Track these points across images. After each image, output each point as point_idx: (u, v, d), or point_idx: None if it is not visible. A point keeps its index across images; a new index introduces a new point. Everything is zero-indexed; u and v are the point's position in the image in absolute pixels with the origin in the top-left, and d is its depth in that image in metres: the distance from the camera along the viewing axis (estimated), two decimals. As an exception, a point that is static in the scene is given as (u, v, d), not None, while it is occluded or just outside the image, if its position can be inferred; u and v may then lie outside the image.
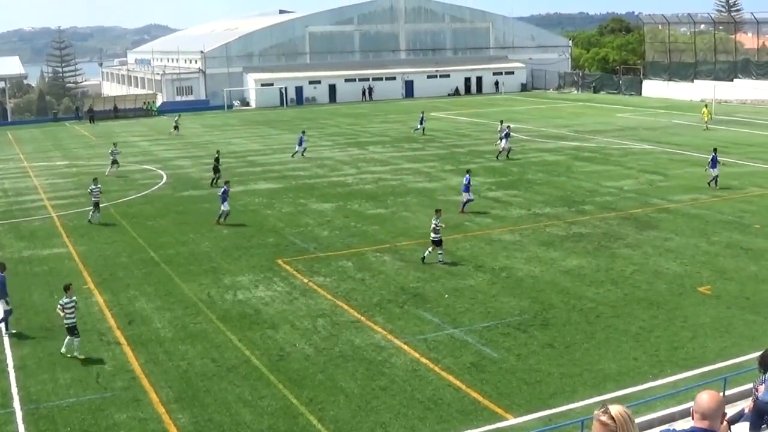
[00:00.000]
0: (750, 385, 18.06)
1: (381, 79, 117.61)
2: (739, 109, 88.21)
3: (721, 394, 18.79)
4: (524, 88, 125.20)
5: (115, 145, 59.34)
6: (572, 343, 24.30)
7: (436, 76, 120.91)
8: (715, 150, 47.89)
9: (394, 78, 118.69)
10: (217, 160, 52.24)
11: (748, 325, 25.64)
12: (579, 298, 28.36)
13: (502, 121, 66.25)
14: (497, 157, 58.39)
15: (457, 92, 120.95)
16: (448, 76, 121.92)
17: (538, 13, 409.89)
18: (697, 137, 67.43)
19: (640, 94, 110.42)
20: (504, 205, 43.24)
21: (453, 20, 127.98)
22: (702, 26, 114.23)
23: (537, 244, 35.61)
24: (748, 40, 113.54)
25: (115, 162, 56.92)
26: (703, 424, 6.92)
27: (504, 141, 59.00)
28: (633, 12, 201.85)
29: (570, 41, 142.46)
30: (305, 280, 31.03)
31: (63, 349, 24.37)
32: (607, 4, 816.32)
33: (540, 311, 27.14)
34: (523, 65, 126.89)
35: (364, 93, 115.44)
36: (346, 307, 27.95)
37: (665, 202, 43.23)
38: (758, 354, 16.23)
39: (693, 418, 7.09)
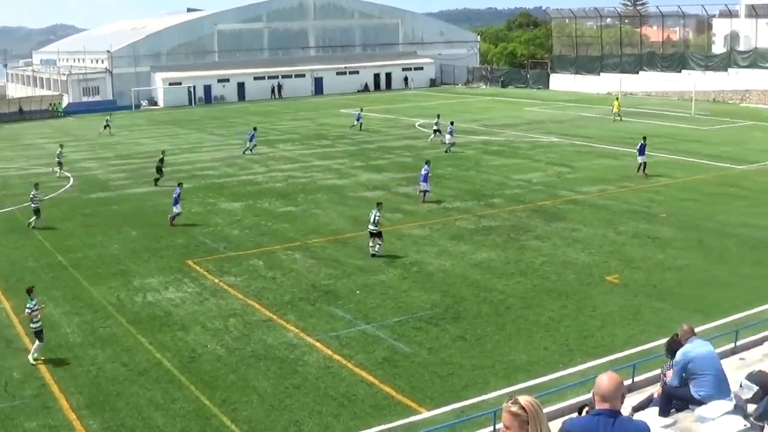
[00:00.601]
0: (658, 371, 18.44)
1: (290, 76, 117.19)
2: (645, 101, 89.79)
3: (630, 380, 19.16)
4: (433, 83, 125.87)
5: (61, 146, 58.58)
6: (483, 335, 24.54)
7: (345, 73, 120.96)
8: (644, 138, 49.26)
9: (304, 75, 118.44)
10: (161, 160, 51.66)
11: (655, 313, 26.16)
12: (489, 291, 28.63)
13: (438, 116, 66.95)
14: (447, 151, 58.92)
15: (366, 88, 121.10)
16: (358, 72, 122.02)
17: (447, 8, 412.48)
18: (604, 129, 68.56)
19: (548, 87, 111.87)
20: (414, 200, 43.40)
21: (362, 16, 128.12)
22: (608, 20, 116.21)
23: (447, 238, 35.86)
24: (653, 33, 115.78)
25: (60, 164, 56.43)
26: (605, 405, 7.18)
27: (449, 135, 59.74)
28: (541, 7, 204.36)
29: (478, 36, 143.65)
30: (216, 281, 30.83)
31: (33, 356, 23.87)
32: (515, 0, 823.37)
33: (451, 304, 27.34)
34: (432, 61, 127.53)
35: (273, 91, 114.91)
36: (257, 306, 27.83)
37: (573, 194, 43.87)
38: (665, 340, 16.58)
39: (594, 401, 7.27)
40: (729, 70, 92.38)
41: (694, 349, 14.62)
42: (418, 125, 74.55)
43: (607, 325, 25.12)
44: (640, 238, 35.01)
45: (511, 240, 35.20)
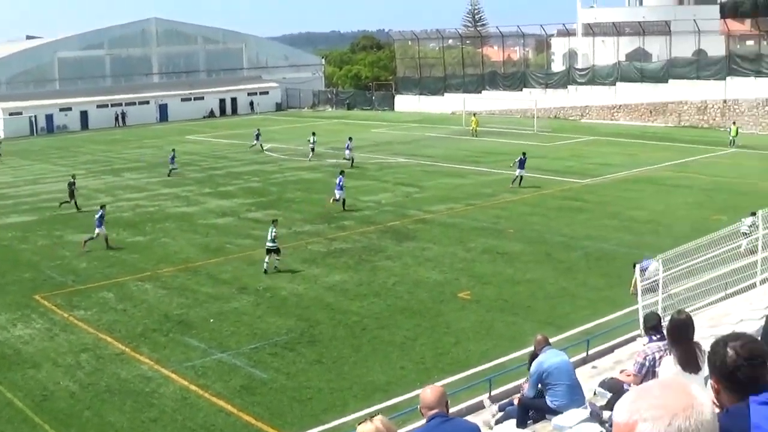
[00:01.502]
0: (513, 384, 18.90)
1: (134, 103, 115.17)
2: (489, 119, 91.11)
3: (487, 394, 19.58)
4: (279, 107, 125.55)
5: None
6: (340, 358, 24.63)
7: (190, 99, 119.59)
8: (524, 153, 50.99)
9: (148, 102, 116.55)
10: (71, 184, 50.64)
11: (507, 327, 26.73)
12: (344, 313, 28.76)
13: (314, 133, 68.75)
14: (352, 166, 60.63)
15: (212, 114, 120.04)
16: (203, 98, 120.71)
17: (290, 32, 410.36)
18: (449, 149, 69.63)
19: (393, 109, 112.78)
20: (264, 225, 43.09)
21: (206, 42, 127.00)
22: (450, 41, 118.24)
23: (299, 262, 35.87)
24: (494, 53, 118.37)
25: None
26: (434, 413, 8.02)
27: (348, 151, 62.13)
28: (383, 29, 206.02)
29: (323, 59, 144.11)
30: (65, 315, 30.05)
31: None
32: (358, 22, 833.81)
33: (306, 328, 27.35)
34: (277, 85, 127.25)
35: (117, 119, 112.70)
36: (109, 339, 27.25)
37: (422, 213, 44.46)
38: (519, 353, 16.99)
39: (423, 414, 8.15)
40: (568, 87, 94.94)
41: (548, 359, 15.00)
42: (266, 150, 74.31)
43: (462, 342, 25.53)
44: (490, 254, 35.73)
45: (363, 261, 35.46)
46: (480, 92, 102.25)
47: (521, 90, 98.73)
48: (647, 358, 12.45)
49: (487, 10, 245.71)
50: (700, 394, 3.12)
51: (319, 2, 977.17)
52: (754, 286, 23.29)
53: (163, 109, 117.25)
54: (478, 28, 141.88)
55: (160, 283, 33.59)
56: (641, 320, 19.96)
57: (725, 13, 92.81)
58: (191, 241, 40.66)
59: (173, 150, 64.81)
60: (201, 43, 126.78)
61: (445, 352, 24.74)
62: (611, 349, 22.32)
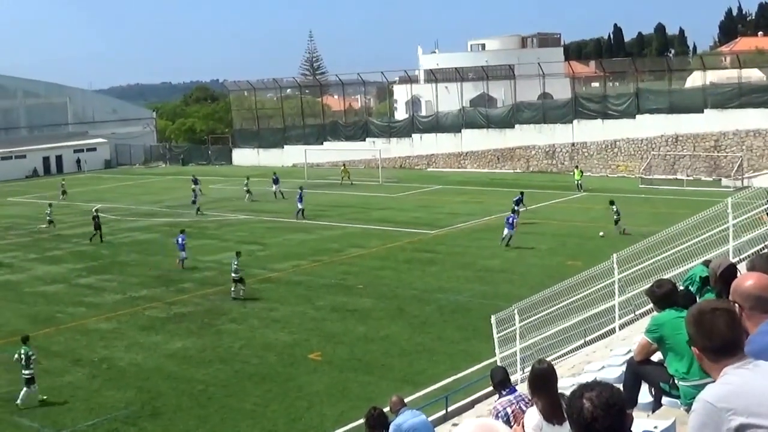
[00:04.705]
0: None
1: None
2: (332, 171, 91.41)
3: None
4: (109, 164, 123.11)
5: None
6: (187, 430, 24.15)
7: (11, 158, 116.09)
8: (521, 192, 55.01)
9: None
10: (96, 217, 56.35)
11: (362, 387, 26.70)
12: (188, 382, 28.26)
13: (248, 177, 73.30)
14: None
15: (36, 173, 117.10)
16: (25, 156, 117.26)
17: (119, 84, 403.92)
18: (292, 203, 69.35)
19: (231, 163, 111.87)
20: (97, 291, 42.30)
21: (26, 96, 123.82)
22: (288, 90, 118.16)
23: (137, 329, 35.14)
24: (334, 102, 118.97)
25: None
26: None
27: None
28: (218, 80, 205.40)
29: (154, 113, 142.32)
30: None
31: (20, 401, 25.37)
32: (190, 73, 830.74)
33: (148, 400, 26.74)
34: (106, 140, 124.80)
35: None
36: (-72, 423, 26.17)
37: (267, 272, 44.23)
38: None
39: None
40: (413, 135, 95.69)
41: (406, 420, 14.92)
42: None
43: (315, 405, 25.36)
44: (340, 312, 35.70)
45: (207, 325, 34.97)
46: (321, 143, 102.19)
47: (364, 140, 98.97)
48: (499, 414, 12.46)
49: (326, 58, 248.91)
50: None
51: (148, 52, 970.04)
52: (613, 331, 23.85)
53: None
54: (317, 77, 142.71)
55: (-17, 359, 32.39)
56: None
57: (569, 55, 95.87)
58: (18, 312, 39.31)
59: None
60: (21, 98, 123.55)
61: (297, 418, 24.53)
62: (472, 404, 22.49)
